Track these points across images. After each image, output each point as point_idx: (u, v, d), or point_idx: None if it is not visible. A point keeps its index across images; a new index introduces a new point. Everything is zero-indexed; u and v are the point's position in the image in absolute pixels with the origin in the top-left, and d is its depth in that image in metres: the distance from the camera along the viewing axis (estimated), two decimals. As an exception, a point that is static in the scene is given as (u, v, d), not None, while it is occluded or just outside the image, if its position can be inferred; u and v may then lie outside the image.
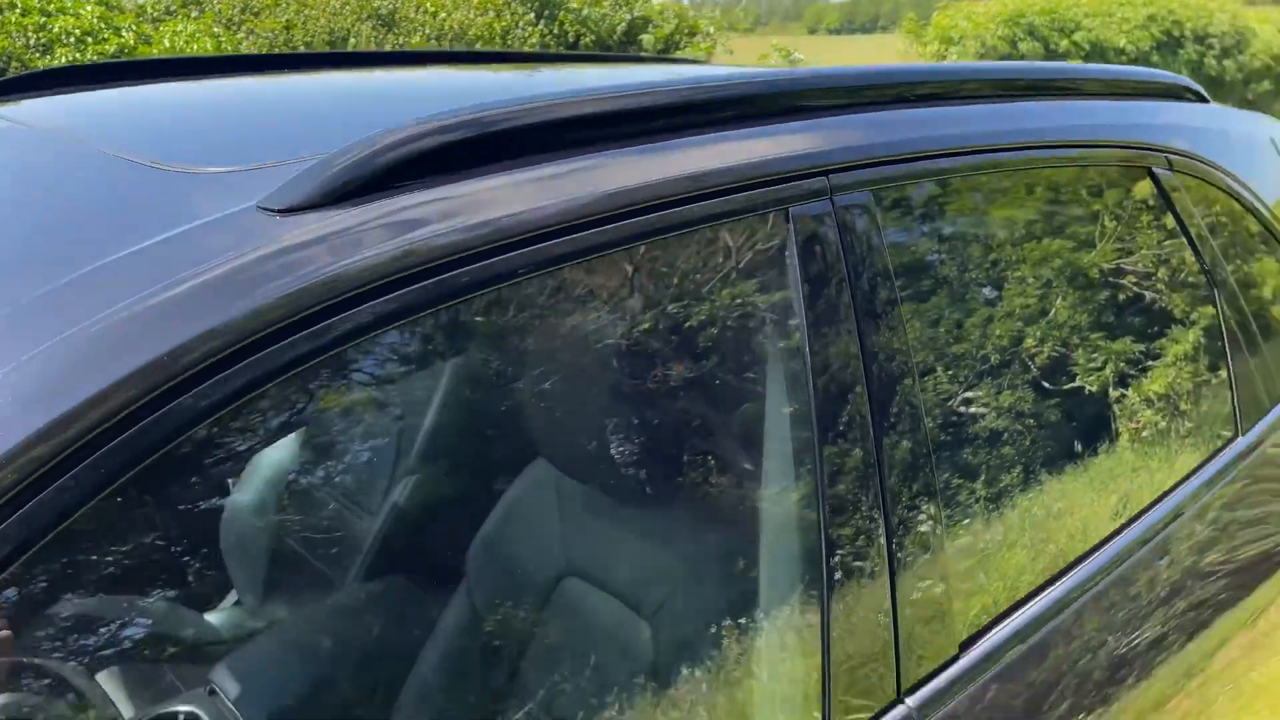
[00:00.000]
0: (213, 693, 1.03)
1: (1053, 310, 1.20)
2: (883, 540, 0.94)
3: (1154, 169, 1.37)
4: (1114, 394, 1.26)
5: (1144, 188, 1.35)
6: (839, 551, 0.91)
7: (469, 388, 1.08)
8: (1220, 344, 1.39)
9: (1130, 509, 1.22)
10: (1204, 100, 1.64)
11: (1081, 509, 1.16)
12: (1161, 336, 1.33)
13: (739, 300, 0.95)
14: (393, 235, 0.73)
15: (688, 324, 0.93)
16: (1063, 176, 1.26)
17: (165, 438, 0.65)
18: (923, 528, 0.97)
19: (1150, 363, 1.31)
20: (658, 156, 0.87)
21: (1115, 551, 1.17)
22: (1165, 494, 1.27)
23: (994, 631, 1.02)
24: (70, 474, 0.61)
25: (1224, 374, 1.40)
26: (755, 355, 0.96)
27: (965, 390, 1.08)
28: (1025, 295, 1.19)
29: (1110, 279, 1.30)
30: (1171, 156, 1.39)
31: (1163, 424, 1.29)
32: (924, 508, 0.98)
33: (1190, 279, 1.37)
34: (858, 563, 0.93)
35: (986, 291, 1.15)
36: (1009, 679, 1.01)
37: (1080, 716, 1.06)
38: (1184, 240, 1.36)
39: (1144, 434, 1.26)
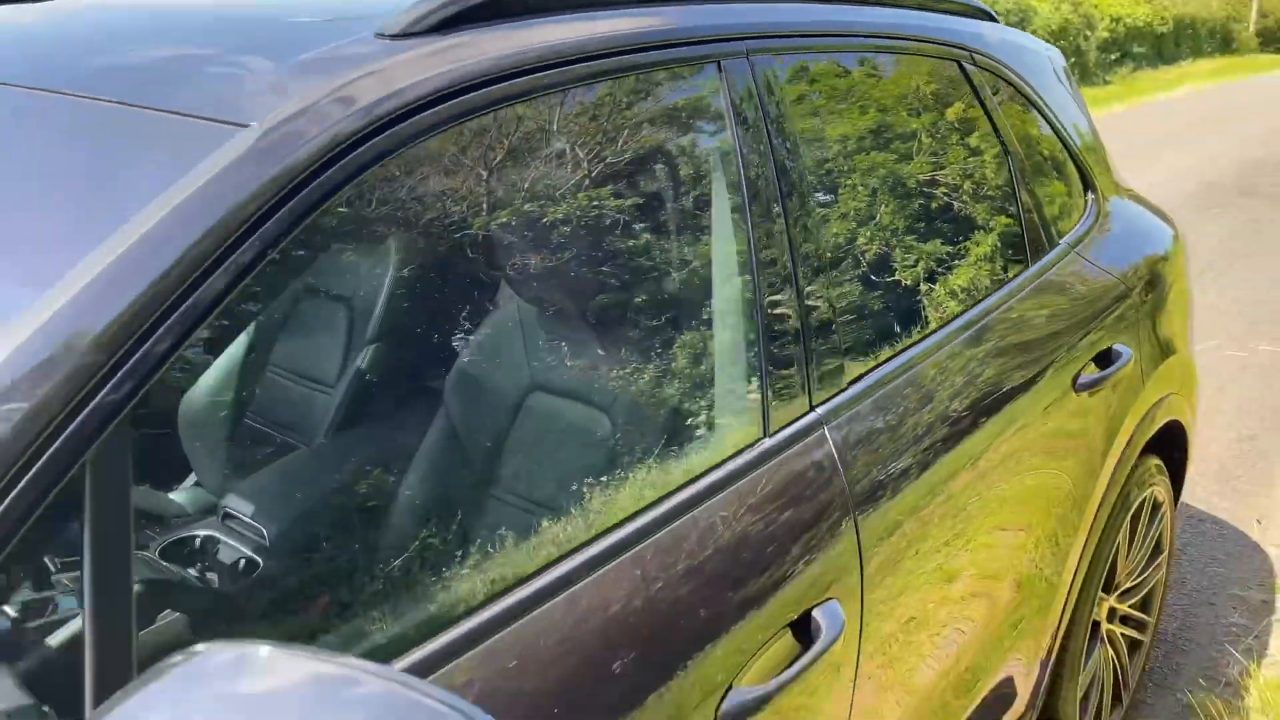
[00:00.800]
0: (226, 516, 1.29)
1: (898, 138, 1.65)
2: (794, 303, 1.34)
3: (962, 63, 1.84)
4: (940, 205, 1.72)
5: (956, 74, 1.82)
6: (769, 313, 1.30)
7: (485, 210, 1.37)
8: (1012, 192, 1.88)
9: (955, 309, 1.68)
10: (995, 22, 2.13)
11: (927, 296, 1.61)
12: (972, 174, 1.80)
13: (683, 129, 1.33)
14: (477, 56, 1.06)
15: (645, 144, 1.30)
16: (902, 61, 1.71)
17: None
18: (819, 296, 1.38)
19: (964, 201, 1.78)
20: (643, 18, 1.24)
21: (947, 333, 1.62)
22: (979, 301, 1.73)
23: (859, 380, 1.44)
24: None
25: (1016, 216, 1.89)
26: (699, 163, 1.34)
27: (839, 186, 1.50)
28: (880, 133, 1.63)
29: (938, 133, 1.76)
30: (975, 55, 1.87)
31: (976, 247, 1.75)
32: (820, 277, 1.39)
33: (989, 139, 1.85)
34: (780, 326, 1.32)
35: (852, 127, 1.58)
36: (880, 407, 1.44)
37: (926, 437, 1.50)
38: (982, 111, 1.84)
39: (965, 254, 1.72)
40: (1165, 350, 2.23)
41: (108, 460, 0.75)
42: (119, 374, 0.76)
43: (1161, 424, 2.23)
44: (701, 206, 1.33)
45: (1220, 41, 20.47)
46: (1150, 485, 2.28)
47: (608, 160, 1.21)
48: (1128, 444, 2.09)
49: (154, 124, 0.95)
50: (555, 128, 1.16)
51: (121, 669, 0.74)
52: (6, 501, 0.70)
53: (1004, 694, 1.87)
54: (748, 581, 1.17)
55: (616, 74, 1.19)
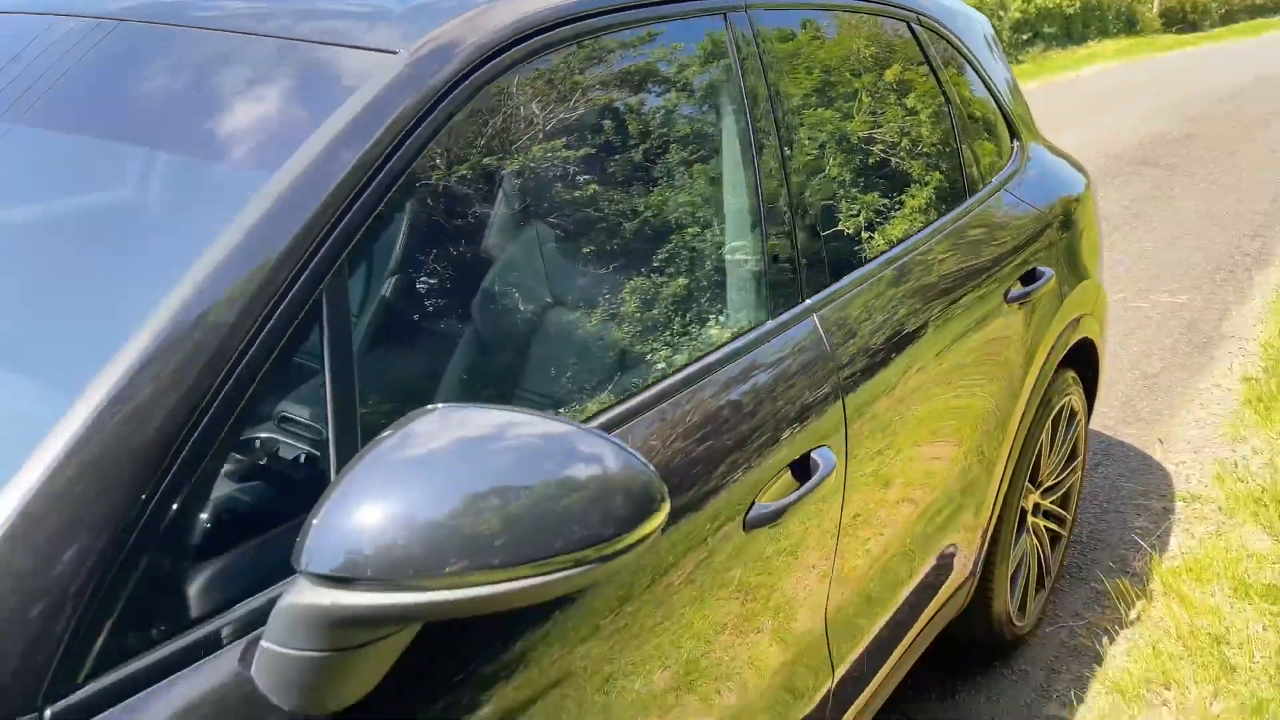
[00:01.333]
0: (283, 420, 1.53)
1: (862, 82, 1.98)
2: (788, 216, 1.66)
3: (910, 23, 2.18)
4: (894, 144, 2.06)
5: (906, 33, 2.15)
6: (768, 224, 1.61)
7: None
8: (954, 136, 2.23)
9: (912, 229, 2.02)
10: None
11: (890, 215, 1.95)
12: (921, 120, 2.15)
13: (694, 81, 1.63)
14: None
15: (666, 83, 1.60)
16: (865, 19, 2.04)
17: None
18: (807, 209, 1.70)
19: (916, 142, 2.12)
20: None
21: (905, 246, 1.95)
22: (931, 222, 2.08)
23: (841, 279, 1.77)
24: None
25: (957, 156, 2.24)
26: (712, 98, 1.65)
27: (823, 121, 1.83)
28: (847, 79, 1.95)
29: (893, 82, 2.09)
30: (921, 16, 2.21)
31: (929, 179, 2.10)
32: (808, 195, 1.71)
33: (934, 91, 2.20)
34: (777, 235, 1.63)
35: (829, 73, 1.90)
36: (858, 299, 1.76)
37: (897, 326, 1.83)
38: (929, 68, 2.18)
39: (920, 184, 2.06)
40: (1079, 275, 2.61)
41: (336, 292, 1.03)
42: (335, 232, 1.04)
43: (1077, 339, 2.61)
44: (715, 136, 1.64)
45: (1125, 23, 21.41)
46: (1067, 394, 2.67)
47: (652, 91, 1.52)
48: (1049, 354, 2.46)
49: (318, 54, 1.22)
50: (623, 60, 1.46)
51: (352, 441, 1.03)
52: (272, 321, 0.98)
53: (954, 554, 2.23)
54: (762, 428, 1.49)
55: (658, 20, 1.50)
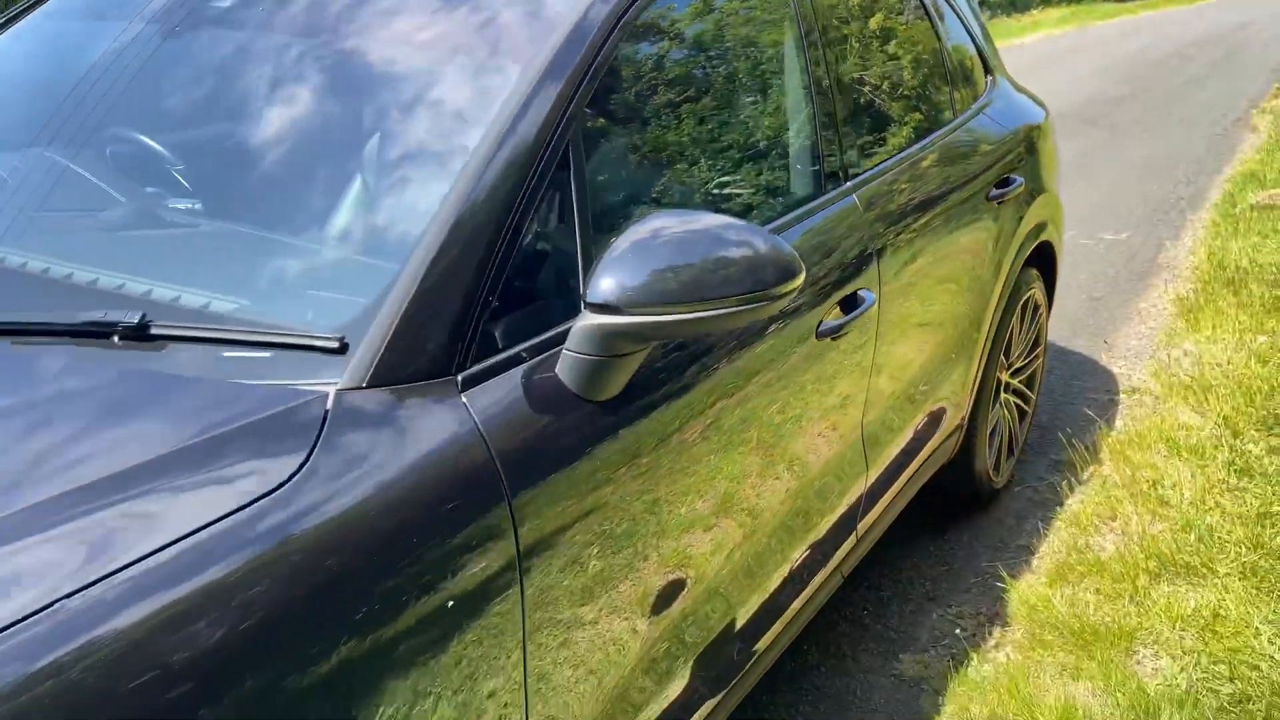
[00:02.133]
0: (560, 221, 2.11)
1: (876, 20, 2.55)
2: (832, 114, 2.22)
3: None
4: (902, 69, 2.63)
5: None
6: (818, 120, 2.17)
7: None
8: (944, 68, 2.81)
9: (915, 137, 2.59)
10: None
11: (897, 123, 2.52)
12: (918, 50, 2.72)
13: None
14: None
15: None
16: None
17: None
18: (844, 112, 2.27)
19: (917, 68, 2.70)
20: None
21: (911, 150, 2.53)
22: (929, 133, 2.65)
23: (871, 168, 2.34)
24: None
25: (948, 85, 2.82)
26: (781, 22, 2.20)
27: (855, 45, 2.39)
28: (867, 18, 2.52)
29: (901, 24, 2.67)
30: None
31: (929, 98, 2.68)
32: (843, 102, 2.27)
33: (928, 32, 2.78)
34: (826, 130, 2.19)
35: (856, 13, 2.47)
36: (881, 182, 2.34)
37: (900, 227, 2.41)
38: (925, 13, 2.76)
39: (922, 101, 2.64)
40: (1041, 188, 3.22)
41: (576, 142, 1.57)
42: (574, 100, 1.58)
43: (1039, 241, 3.22)
44: (783, 65, 2.20)
45: (1066, -9, 22.27)
46: (1032, 288, 3.28)
47: (746, 21, 2.07)
48: (1018, 251, 3.06)
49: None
50: None
51: (590, 238, 1.57)
52: (544, 158, 1.51)
53: (949, 405, 2.83)
54: (828, 268, 2.05)
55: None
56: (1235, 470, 3.26)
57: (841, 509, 2.30)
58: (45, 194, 1.73)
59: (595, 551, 1.48)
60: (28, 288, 1.52)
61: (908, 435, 2.62)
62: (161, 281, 1.46)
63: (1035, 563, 3.02)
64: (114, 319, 1.35)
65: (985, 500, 3.36)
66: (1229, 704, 2.29)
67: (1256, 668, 2.39)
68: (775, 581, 2.06)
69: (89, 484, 1.10)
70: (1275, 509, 3.00)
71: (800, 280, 1.49)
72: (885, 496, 2.54)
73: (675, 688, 1.75)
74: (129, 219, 1.71)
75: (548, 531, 1.38)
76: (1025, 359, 3.44)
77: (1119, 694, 2.35)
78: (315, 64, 1.72)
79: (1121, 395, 4.10)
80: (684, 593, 1.73)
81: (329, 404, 1.25)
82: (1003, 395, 3.32)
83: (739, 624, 1.94)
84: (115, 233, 1.69)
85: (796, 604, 2.18)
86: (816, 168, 2.18)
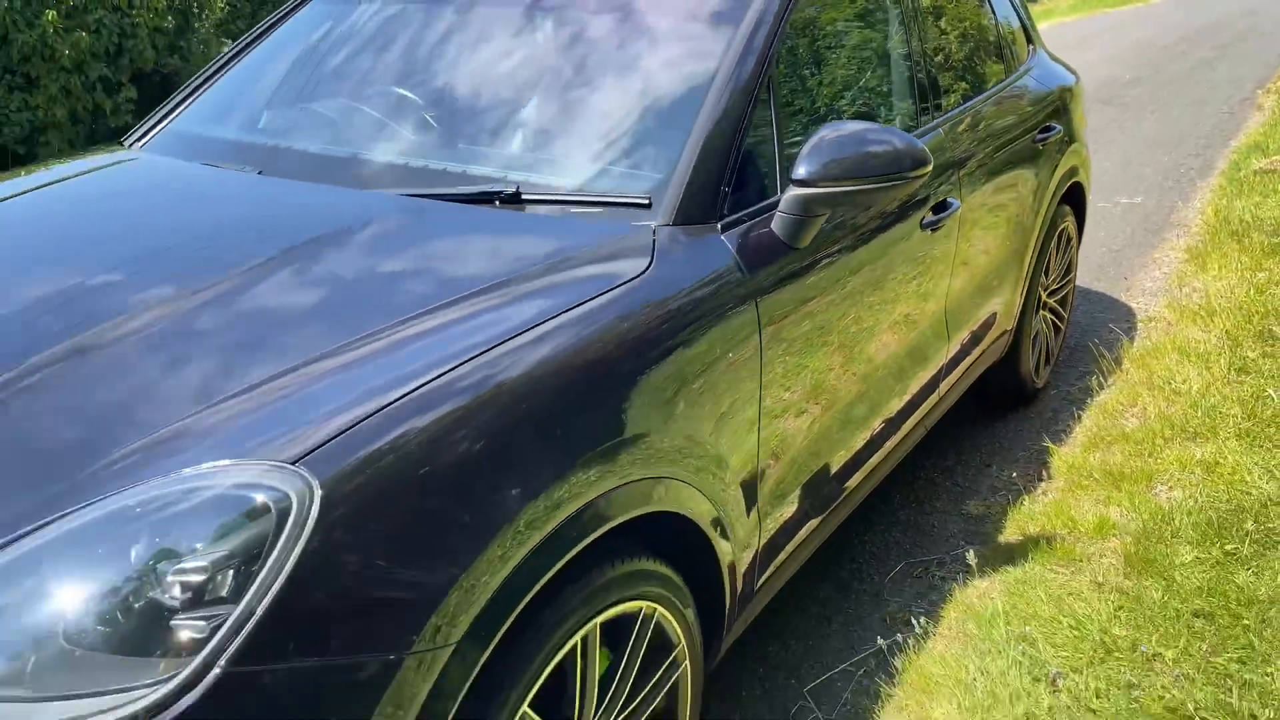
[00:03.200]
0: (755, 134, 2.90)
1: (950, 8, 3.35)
2: (917, 78, 3.01)
3: (971, -36, 3.55)
4: (970, 38, 3.43)
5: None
6: (905, 82, 2.97)
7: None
8: (998, 37, 3.61)
9: (982, 88, 3.39)
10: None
11: (963, 79, 3.32)
12: (981, 23, 3.52)
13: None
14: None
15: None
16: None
17: None
18: (921, 74, 3.06)
19: (980, 39, 3.50)
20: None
21: (974, 101, 3.33)
22: (988, 87, 3.45)
23: (949, 111, 3.13)
24: None
25: (1000, 51, 3.62)
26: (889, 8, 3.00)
27: (937, 29, 3.19)
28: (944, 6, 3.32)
29: (966, 4, 3.47)
30: (976, -40, 3.59)
31: (988, 62, 3.47)
32: (924, 69, 3.07)
33: (986, 10, 3.58)
34: (915, 89, 2.99)
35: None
36: (954, 128, 3.13)
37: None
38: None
39: (982, 63, 3.44)
40: (1073, 137, 4.02)
41: (773, 77, 2.35)
42: (772, 43, 2.37)
43: (1072, 181, 4.01)
44: (889, 32, 2.99)
45: (1077, -20, 23.06)
46: (1065, 220, 4.08)
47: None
48: (1055, 188, 3.86)
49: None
50: None
51: (778, 140, 2.35)
52: (760, 83, 2.30)
53: (1002, 309, 3.62)
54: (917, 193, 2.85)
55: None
56: (1235, 369, 4.05)
57: (930, 370, 3.09)
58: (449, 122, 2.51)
59: (794, 335, 2.26)
60: (441, 177, 2.30)
61: (974, 325, 3.41)
62: (525, 172, 2.26)
63: (1072, 438, 3.82)
64: (498, 189, 2.15)
65: (1029, 398, 4.16)
66: (1226, 512, 3.07)
67: (1248, 493, 3.18)
68: (876, 425, 2.83)
69: (516, 275, 1.89)
70: (1267, 392, 3.79)
71: (929, 167, 2.27)
72: (959, 368, 3.33)
73: (786, 511, 2.48)
74: (497, 135, 2.47)
75: (774, 316, 2.17)
76: (1060, 282, 4.23)
77: (1142, 511, 3.13)
78: (611, 31, 2.52)
79: (1140, 323, 4.89)
80: (820, 404, 2.51)
81: (654, 232, 2.04)
82: (1042, 312, 4.11)
83: (836, 464, 2.70)
84: (489, 141, 2.45)
85: (890, 444, 2.95)
86: (915, 104, 2.98)
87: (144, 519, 1.33)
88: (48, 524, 1.32)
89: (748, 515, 2.19)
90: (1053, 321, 4.26)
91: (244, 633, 1.26)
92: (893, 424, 2.91)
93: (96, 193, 2.47)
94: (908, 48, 3.00)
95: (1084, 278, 5.50)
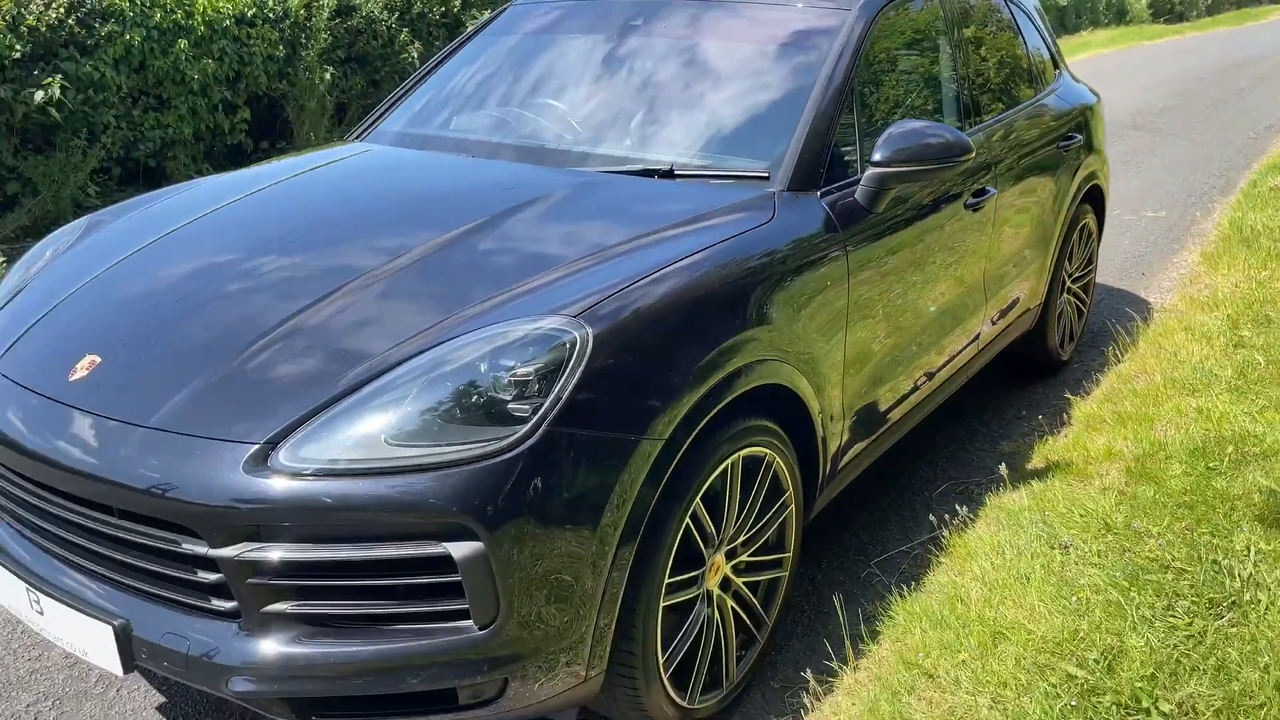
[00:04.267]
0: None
1: (986, 30, 4.23)
2: (963, 94, 3.89)
3: (1007, 2, 4.44)
4: (1008, 63, 4.32)
5: (1003, 7, 4.42)
6: (953, 97, 3.84)
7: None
8: (1029, 62, 4.49)
9: (1014, 103, 4.26)
10: (1010, -14, 4.74)
11: (999, 97, 4.20)
12: (1016, 52, 4.41)
13: None
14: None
15: None
16: (986, 2, 4.30)
17: None
18: (967, 91, 3.94)
19: (1014, 62, 4.38)
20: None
21: (1009, 113, 4.21)
22: (1019, 103, 4.32)
23: (989, 119, 4.01)
24: None
25: (1030, 74, 4.50)
26: (940, 33, 3.88)
27: (975, 54, 4.07)
28: (985, 32, 4.21)
29: (1002, 33, 4.35)
30: (1009, 1, 4.48)
31: (1020, 82, 4.35)
32: (968, 88, 3.95)
33: (1018, 40, 4.46)
34: (961, 105, 3.86)
35: (977, 24, 4.15)
36: (990, 133, 4.01)
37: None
38: (1014, 25, 4.45)
39: (1016, 81, 4.32)
40: (1093, 148, 4.88)
41: (856, 83, 3.24)
42: (854, 68, 3.25)
43: (1091, 184, 4.87)
44: (939, 56, 3.87)
45: (1116, 13, 23.95)
46: (1086, 216, 4.93)
47: (922, 27, 3.76)
48: (1076, 189, 4.71)
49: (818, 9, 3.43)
50: (916, 8, 3.71)
51: (860, 134, 3.24)
52: (847, 86, 3.18)
53: (1032, 285, 4.47)
54: (973, 170, 3.71)
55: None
56: (1232, 344, 4.87)
57: (972, 323, 3.94)
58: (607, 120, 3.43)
59: (871, 277, 3.13)
60: (621, 161, 3.21)
61: (1008, 296, 4.26)
62: (676, 153, 3.17)
63: (1091, 395, 4.64)
64: (653, 168, 3.05)
65: (1056, 368, 4.99)
66: (1213, 442, 3.88)
67: (1232, 429, 3.99)
68: (931, 360, 3.68)
69: (685, 217, 2.78)
70: (1257, 360, 4.60)
71: (972, 154, 3.14)
72: (996, 326, 4.18)
73: (863, 413, 3.33)
74: (659, 126, 3.37)
75: (858, 263, 3.04)
76: (1082, 271, 5.07)
77: (1143, 442, 3.95)
78: (737, 52, 3.43)
79: (1155, 312, 5.71)
80: (888, 333, 3.35)
81: (775, 196, 2.93)
82: (1065, 295, 4.95)
83: (900, 387, 3.53)
84: (651, 131, 3.36)
85: (941, 375, 3.80)
86: (960, 115, 3.85)
87: (488, 347, 2.22)
88: (435, 345, 2.22)
89: (837, 405, 3.05)
90: (1076, 305, 5.10)
91: (553, 413, 2.14)
92: (944, 362, 3.77)
93: (355, 170, 3.40)
94: (954, 70, 3.89)
95: (1108, 278, 6.32)
